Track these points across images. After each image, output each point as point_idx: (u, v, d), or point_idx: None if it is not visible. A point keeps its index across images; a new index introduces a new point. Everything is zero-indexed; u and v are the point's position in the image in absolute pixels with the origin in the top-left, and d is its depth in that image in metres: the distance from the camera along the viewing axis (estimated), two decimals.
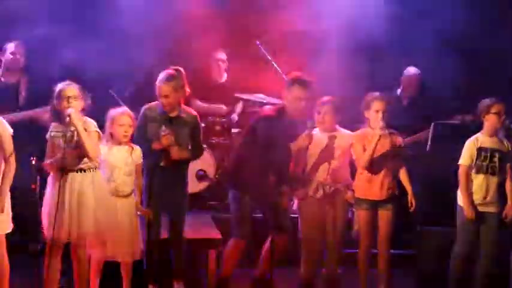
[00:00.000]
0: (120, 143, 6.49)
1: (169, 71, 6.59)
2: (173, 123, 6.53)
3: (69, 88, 6.19)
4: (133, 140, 6.55)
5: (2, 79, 7.86)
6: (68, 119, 6.07)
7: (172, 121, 6.53)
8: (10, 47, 7.84)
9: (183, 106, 6.66)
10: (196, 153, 6.79)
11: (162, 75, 6.56)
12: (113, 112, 6.53)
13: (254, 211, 6.77)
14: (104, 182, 6.33)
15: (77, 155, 6.15)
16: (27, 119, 7.54)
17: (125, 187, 6.45)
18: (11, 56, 7.82)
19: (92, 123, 6.24)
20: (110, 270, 6.49)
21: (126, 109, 6.64)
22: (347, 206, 6.85)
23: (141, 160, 6.52)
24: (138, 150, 6.53)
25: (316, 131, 6.79)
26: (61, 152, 6.10)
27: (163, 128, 6.46)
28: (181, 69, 6.63)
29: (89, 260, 6.36)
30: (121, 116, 6.49)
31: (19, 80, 7.84)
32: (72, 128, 6.12)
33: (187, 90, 6.64)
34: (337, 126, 6.89)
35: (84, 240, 6.20)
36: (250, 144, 6.66)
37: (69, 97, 6.13)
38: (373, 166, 6.68)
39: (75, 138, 6.12)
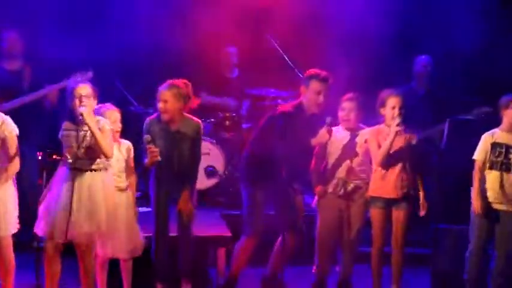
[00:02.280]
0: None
1: (176, 80, 6.46)
2: (174, 138, 6.43)
3: (82, 87, 6.03)
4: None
5: (6, 67, 7.82)
6: (80, 118, 5.91)
7: (173, 135, 6.43)
8: (6, 35, 7.81)
9: (186, 116, 6.51)
10: (194, 168, 6.59)
11: (167, 82, 6.45)
12: (101, 109, 6.32)
13: (266, 208, 6.67)
14: (112, 182, 6.20)
15: (88, 155, 6.02)
16: (33, 101, 7.54)
17: (119, 183, 6.33)
18: (8, 44, 7.80)
19: (106, 122, 6.09)
20: (112, 268, 6.43)
21: (111, 105, 6.46)
22: (365, 204, 6.72)
23: (132, 155, 6.42)
24: (125, 145, 6.43)
25: (337, 128, 6.69)
26: (72, 152, 5.98)
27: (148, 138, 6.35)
28: (189, 83, 6.47)
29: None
30: (112, 112, 6.36)
31: (22, 67, 7.80)
32: (85, 128, 5.97)
33: (192, 104, 6.49)
34: (360, 124, 6.79)
35: (95, 239, 6.09)
36: (265, 140, 6.58)
37: (81, 96, 5.97)
38: (388, 163, 6.57)
39: (88, 138, 5.99)
